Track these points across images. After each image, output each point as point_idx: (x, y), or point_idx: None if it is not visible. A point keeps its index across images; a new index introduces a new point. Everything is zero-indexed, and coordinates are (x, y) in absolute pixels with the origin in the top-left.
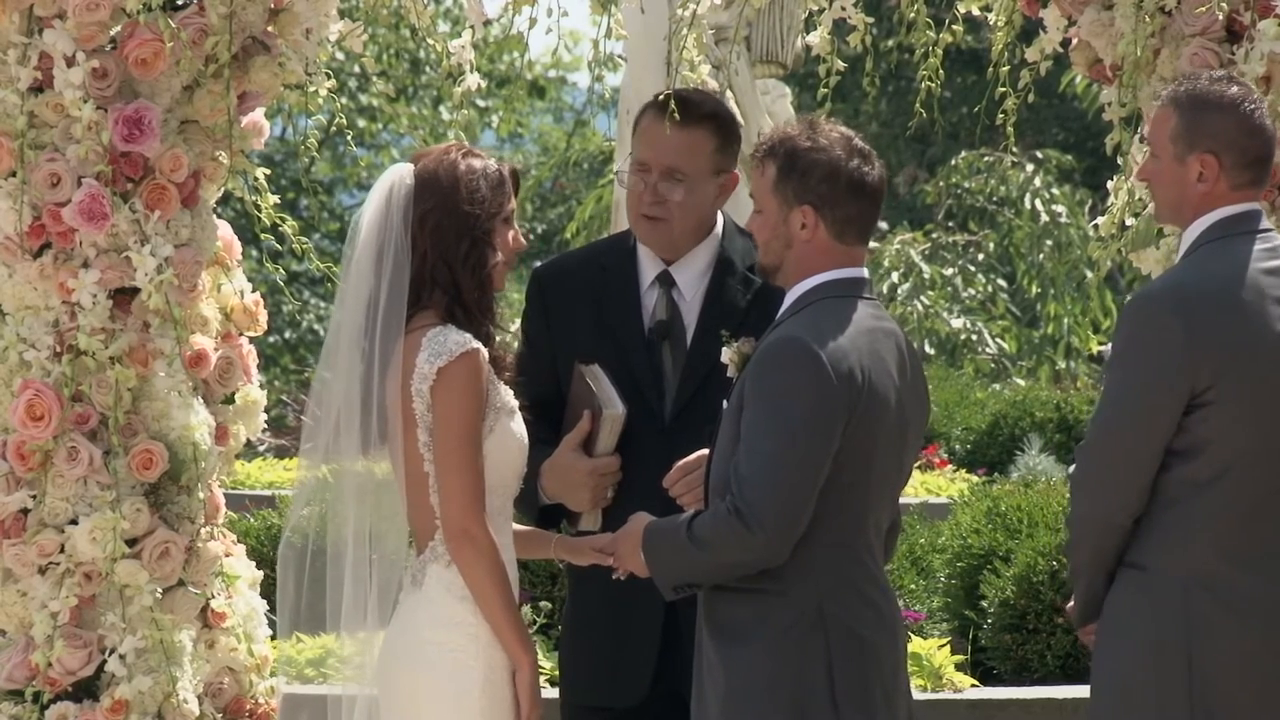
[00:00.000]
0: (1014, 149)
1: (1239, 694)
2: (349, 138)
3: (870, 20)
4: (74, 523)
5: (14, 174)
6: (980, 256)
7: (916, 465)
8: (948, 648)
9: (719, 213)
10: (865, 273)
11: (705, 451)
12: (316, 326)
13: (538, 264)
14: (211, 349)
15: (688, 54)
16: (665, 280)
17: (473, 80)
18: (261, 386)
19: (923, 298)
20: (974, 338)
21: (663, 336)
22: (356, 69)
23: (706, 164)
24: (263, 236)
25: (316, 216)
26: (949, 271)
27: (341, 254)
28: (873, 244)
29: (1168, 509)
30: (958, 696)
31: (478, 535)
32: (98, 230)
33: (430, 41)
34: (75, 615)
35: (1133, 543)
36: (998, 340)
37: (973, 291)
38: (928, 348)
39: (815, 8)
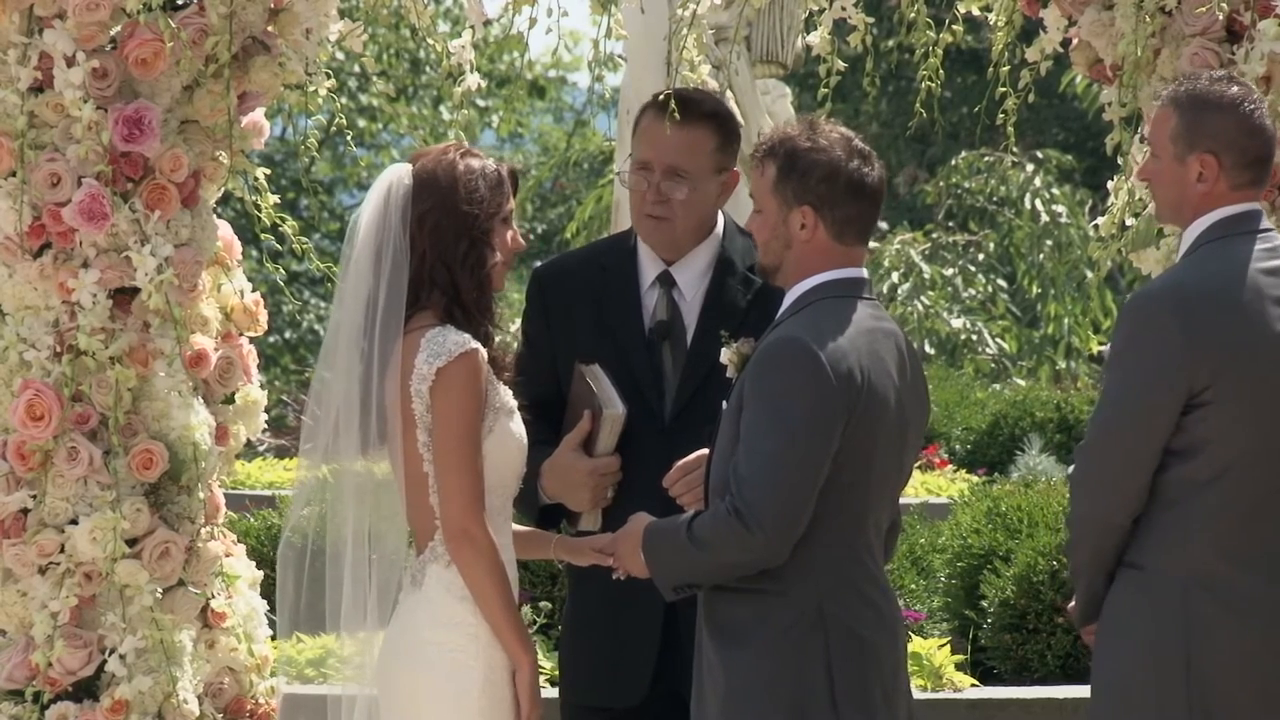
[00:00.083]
0: (1014, 149)
1: (1239, 694)
2: (349, 138)
3: (870, 20)
4: (74, 523)
5: (14, 174)
6: (980, 256)
7: (916, 465)
8: (948, 648)
9: (720, 213)
10: (865, 273)
11: (705, 451)
12: (316, 326)
13: (538, 264)
14: (211, 349)
15: (688, 54)
16: (666, 280)
17: (473, 80)
18: (261, 386)
19: (923, 298)
20: (974, 338)
21: (663, 336)
22: (356, 69)
23: (708, 162)
24: (263, 236)
25: (316, 216)
26: (949, 271)
27: (341, 254)
28: (873, 244)
29: (1167, 509)
30: (958, 696)
31: (477, 535)
32: (98, 230)
33: (430, 41)
34: (75, 615)
35: (1132, 543)
36: (998, 340)
37: (973, 291)
38: (928, 348)
39: (815, 8)
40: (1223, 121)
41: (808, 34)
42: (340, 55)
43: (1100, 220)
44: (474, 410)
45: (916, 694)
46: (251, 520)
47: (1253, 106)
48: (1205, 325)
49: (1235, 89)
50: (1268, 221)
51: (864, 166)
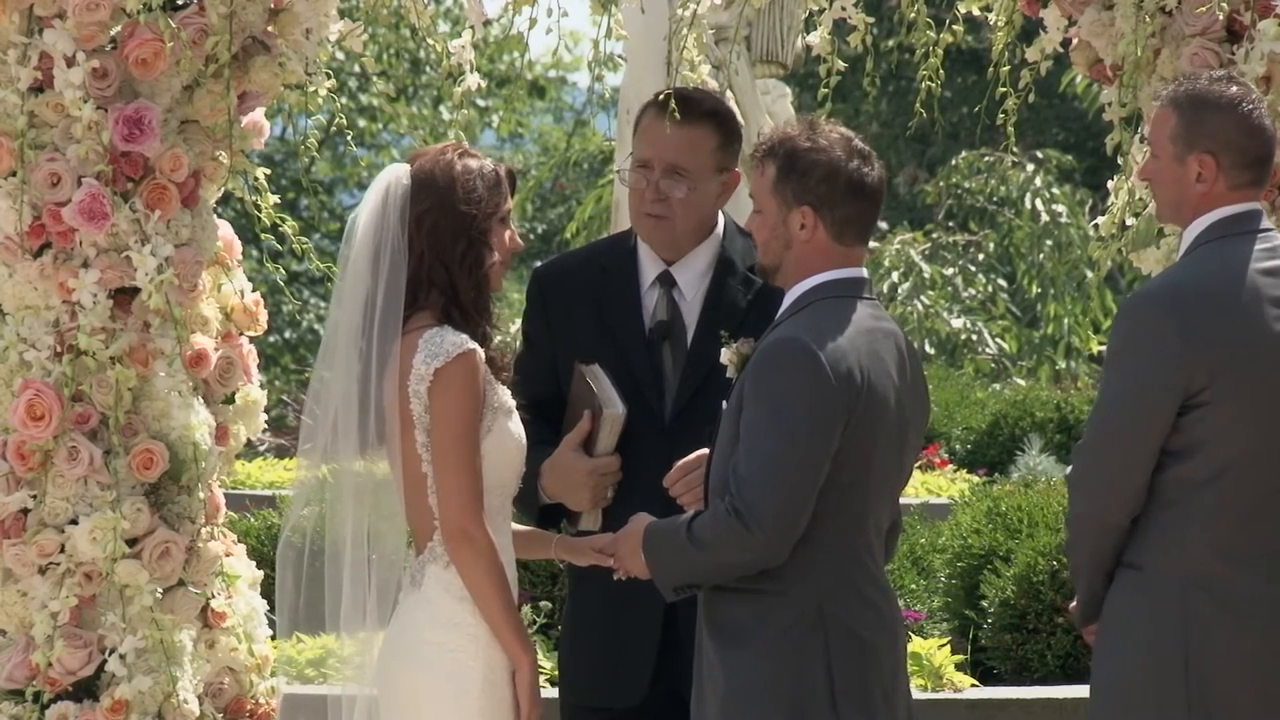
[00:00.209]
0: (1014, 149)
1: (1238, 694)
2: (349, 138)
3: (870, 20)
4: (74, 523)
5: (14, 174)
6: (980, 256)
7: (916, 465)
8: (948, 648)
9: (720, 213)
10: (865, 273)
11: (705, 451)
12: (316, 326)
13: (538, 264)
14: (211, 349)
15: (688, 54)
16: (666, 280)
17: (473, 80)
18: (261, 386)
19: (923, 298)
20: (974, 338)
21: (663, 336)
22: (356, 69)
23: (709, 161)
24: (263, 236)
25: (316, 216)
26: (949, 271)
27: (339, 254)
28: (873, 244)
29: (1165, 509)
30: (958, 696)
31: (476, 535)
32: (98, 230)
33: (430, 41)
34: (75, 615)
35: (1130, 543)
36: (998, 340)
37: (973, 291)
38: (928, 348)
39: (815, 8)
40: (1221, 122)
41: (808, 34)
42: (340, 55)
43: (1100, 220)
44: (472, 410)
45: (916, 694)
46: (251, 520)
47: (1251, 107)
48: (1203, 326)
49: (1235, 89)
50: (1268, 221)
51: (864, 166)
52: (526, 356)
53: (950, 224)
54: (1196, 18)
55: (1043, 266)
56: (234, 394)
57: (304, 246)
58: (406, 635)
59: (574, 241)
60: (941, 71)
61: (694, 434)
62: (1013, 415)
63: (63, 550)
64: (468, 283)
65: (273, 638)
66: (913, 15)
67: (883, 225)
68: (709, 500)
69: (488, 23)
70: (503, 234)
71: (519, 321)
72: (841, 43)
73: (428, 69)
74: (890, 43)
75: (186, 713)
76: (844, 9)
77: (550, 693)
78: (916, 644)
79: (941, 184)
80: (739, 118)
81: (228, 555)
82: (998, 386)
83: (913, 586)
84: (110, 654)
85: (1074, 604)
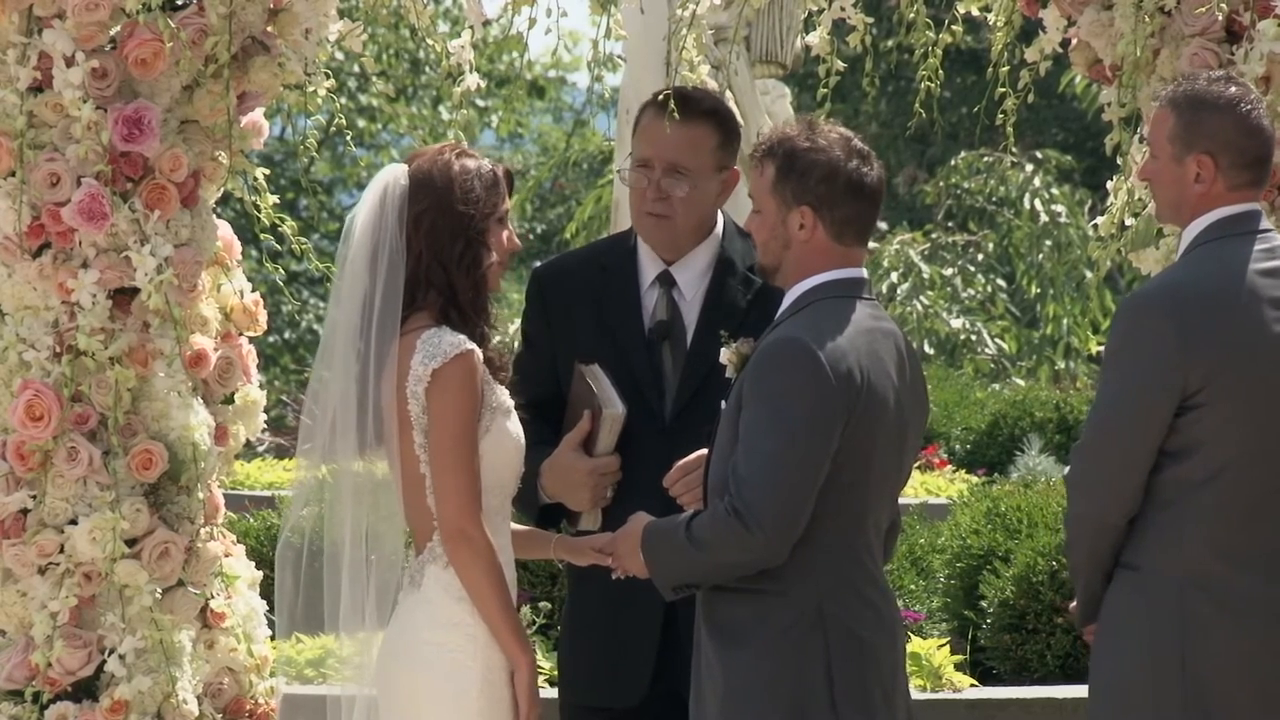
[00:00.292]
0: (1014, 149)
1: (1236, 694)
2: (349, 138)
3: (870, 20)
4: (74, 523)
5: (13, 174)
6: (980, 256)
7: (916, 465)
8: (947, 648)
9: (719, 213)
10: (864, 273)
11: (705, 451)
12: (316, 326)
13: (537, 264)
14: (211, 349)
15: (687, 54)
16: (666, 280)
17: (472, 80)
18: (261, 386)
19: (922, 298)
20: (974, 338)
21: (663, 336)
22: (356, 69)
23: (709, 159)
24: (263, 236)
25: (316, 216)
26: (949, 271)
27: (337, 254)
28: (872, 244)
29: (1162, 510)
30: (957, 696)
31: (474, 536)
32: (97, 230)
33: (430, 41)
34: (75, 615)
35: (1128, 543)
36: (997, 340)
37: (972, 291)
38: (927, 348)
39: (815, 8)
40: (1220, 122)
41: (807, 34)
42: (340, 55)
43: (1100, 220)
44: (470, 411)
45: (916, 694)
46: (251, 520)
47: (1250, 107)
48: (1200, 326)
49: (1233, 89)
50: (1267, 222)
51: (863, 166)
52: (526, 356)
53: (949, 224)
54: (1196, 18)
55: (1042, 267)
56: (233, 394)
57: (303, 247)
58: (406, 635)
59: (574, 241)
60: (941, 72)
61: (694, 434)
62: (1012, 415)
63: (62, 550)
64: (466, 283)
65: (272, 638)
66: (912, 15)
67: (882, 225)
68: (708, 500)
69: (487, 23)
70: (500, 234)
71: (518, 322)
72: (841, 43)
73: (427, 69)
74: (889, 43)
75: (186, 713)
76: (843, 9)
77: (550, 693)
78: (916, 644)
79: (941, 184)
80: (738, 118)
81: (227, 555)
82: (997, 387)
83: (912, 587)
84: (110, 654)
85: (1074, 604)
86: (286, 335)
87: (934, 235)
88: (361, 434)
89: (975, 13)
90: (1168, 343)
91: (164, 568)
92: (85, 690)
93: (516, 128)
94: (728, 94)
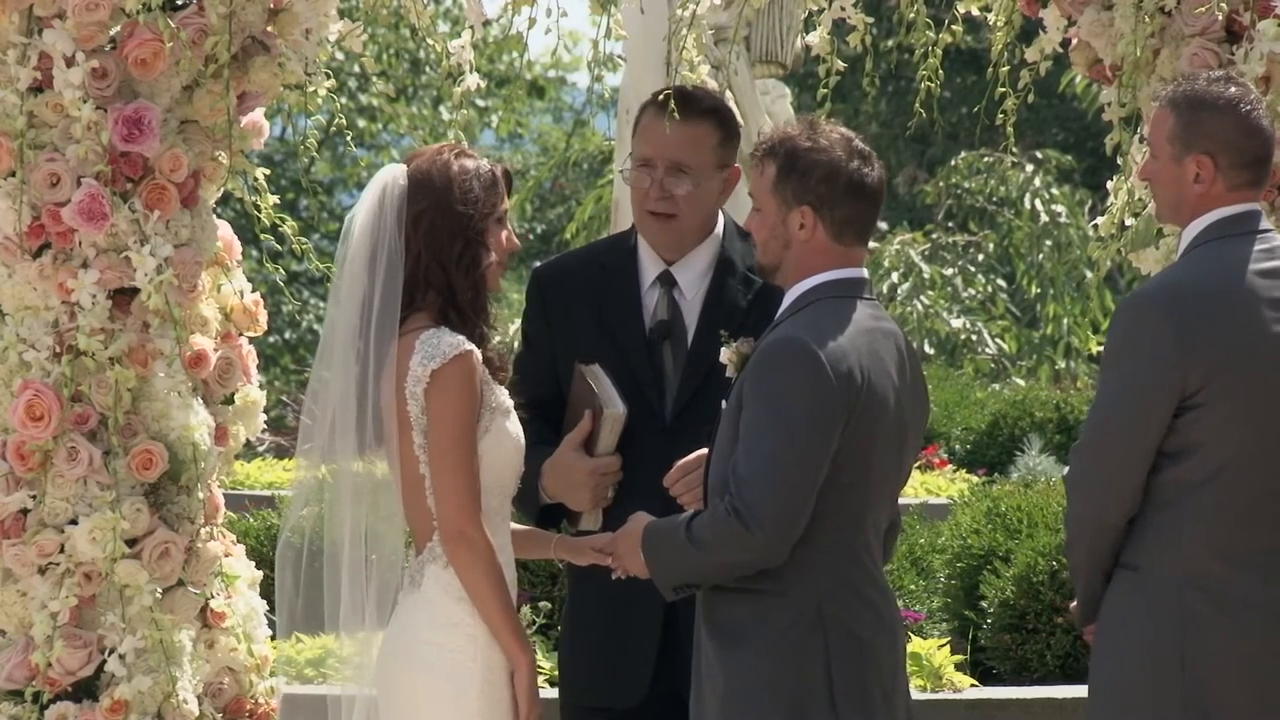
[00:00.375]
0: (1014, 149)
1: (1235, 694)
2: (349, 138)
3: (870, 20)
4: (74, 523)
5: (13, 174)
6: (980, 257)
7: (916, 465)
8: (947, 648)
9: (720, 213)
10: (864, 273)
11: (705, 451)
12: (316, 326)
13: (537, 264)
14: (211, 349)
15: (687, 54)
16: (666, 280)
17: (472, 80)
18: (261, 387)
19: (922, 298)
20: (974, 338)
21: (663, 336)
22: (356, 69)
23: (710, 158)
24: (263, 236)
25: (316, 216)
26: (949, 271)
27: (336, 254)
28: (873, 244)
29: (1161, 510)
30: (957, 696)
31: (473, 536)
32: (97, 230)
33: (430, 41)
34: (75, 615)
35: (1127, 543)
36: (997, 340)
37: (973, 291)
38: (928, 348)
39: (815, 8)
40: (1220, 122)
41: (807, 34)
42: (340, 55)
43: (1100, 220)
44: (469, 411)
45: (916, 694)
46: (251, 520)
47: (1249, 107)
48: (1199, 326)
49: (1233, 89)
50: (1267, 222)
51: (864, 167)
52: (526, 356)
53: (950, 224)
54: (1196, 18)
55: (1042, 267)
56: (233, 394)
57: (303, 247)
58: (406, 635)
59: (574, 241)
60: (941, 72)
61: (694, 434)
62: (1012, 415)
63: (62, 550)
64: (465, 283)
65: (272, 638)
66: (912, 15)
67: (882, 225)
68: (708, 500)
69: (487, 23)
70: (499, 234)
71: (518, 322)
72: (841, 43)
73: (427, 69)
74: (890, 43)
75: (186, 713)
76: (843, 9)
77: (550, 693)
78: (916, 644)
79: (941, 184)
80: (738, 117)
81: (227, 555)
82: (997, 386)
83: (912, 587)
84: (110, 654)
85: (1074, 604)
86: (286, 335)
87: (934, 235)
88: (361, 434)
89: (975, 13)
90: (1167, 343)
91: (164, 568)
92: (85, 690)
93: (516, 128)
94: (728, 94)
